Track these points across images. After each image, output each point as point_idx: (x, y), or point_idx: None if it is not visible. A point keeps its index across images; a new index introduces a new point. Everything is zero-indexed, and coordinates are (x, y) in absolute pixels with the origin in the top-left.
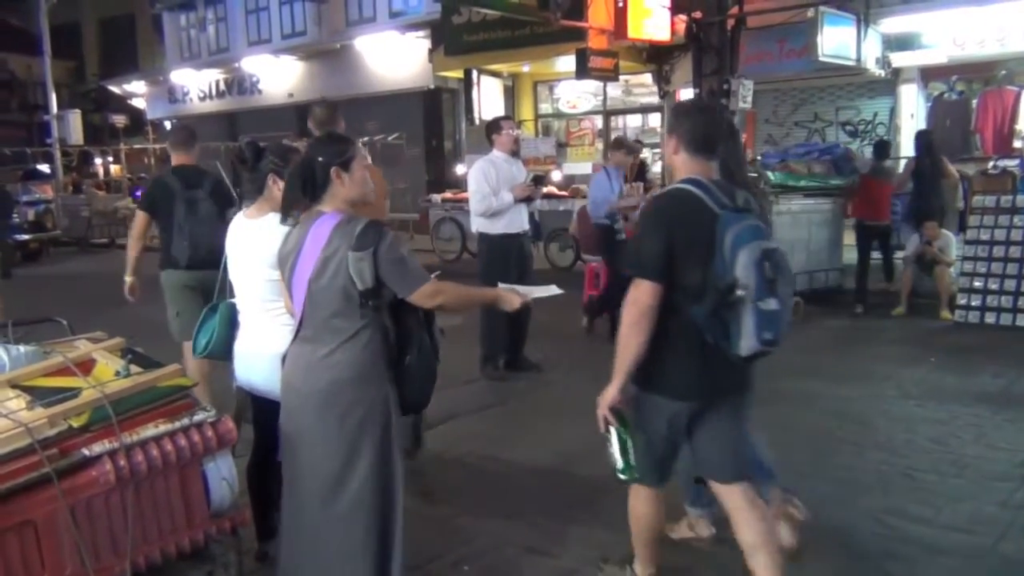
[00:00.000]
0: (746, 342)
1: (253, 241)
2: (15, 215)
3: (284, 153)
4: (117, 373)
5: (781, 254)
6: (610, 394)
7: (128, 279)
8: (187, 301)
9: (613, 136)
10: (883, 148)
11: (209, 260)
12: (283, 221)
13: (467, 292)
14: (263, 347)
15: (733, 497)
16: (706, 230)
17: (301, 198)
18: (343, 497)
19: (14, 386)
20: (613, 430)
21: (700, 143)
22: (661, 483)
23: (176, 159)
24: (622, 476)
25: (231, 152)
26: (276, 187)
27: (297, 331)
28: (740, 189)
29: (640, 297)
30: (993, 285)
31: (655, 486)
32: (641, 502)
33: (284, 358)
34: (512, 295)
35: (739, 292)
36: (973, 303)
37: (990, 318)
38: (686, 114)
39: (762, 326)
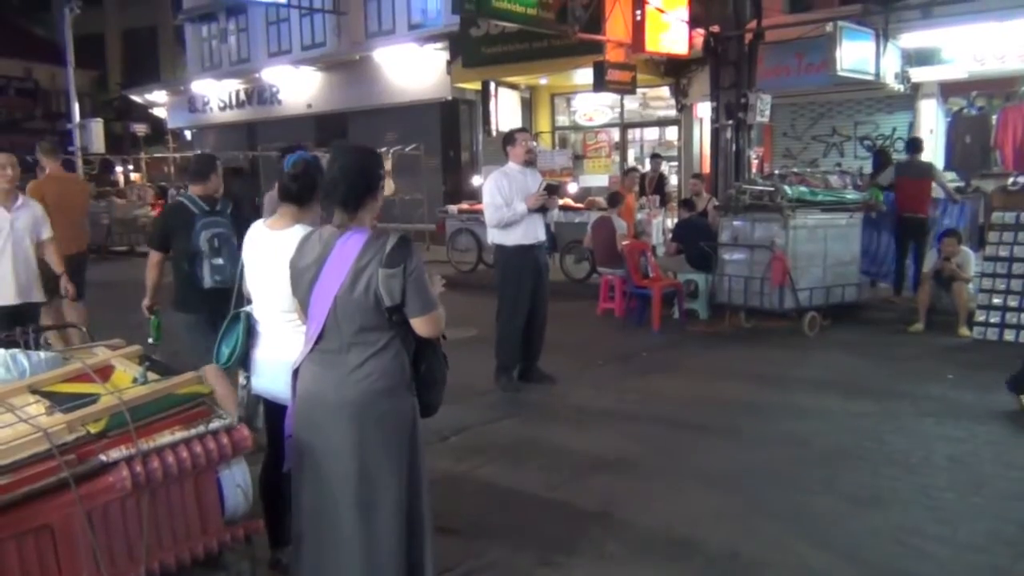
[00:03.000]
0: (207, 280)
1: (279, 252)
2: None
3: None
4: (135, 380)
5: (224, 236)
6: (144, 303)
7: None
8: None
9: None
10: (916, 144)
11: None
12: (347, 232)
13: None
14: (285, 355)
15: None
16: (188, 222)
17: (361, 203)
18: (378, 505)
19: (34, 391)
20: (152, 317)
21: (195, 175)
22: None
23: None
24: (153, 343)
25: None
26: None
27: (315, 343)
28: (225, 202)
29: (152, 258)
30: (1012, 302)
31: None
32: None
33: (296, 371)
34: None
35: (202, 250)
36: (992, 320)
37: (1009, 335)
38: (193, 161)
39: (213, 272)
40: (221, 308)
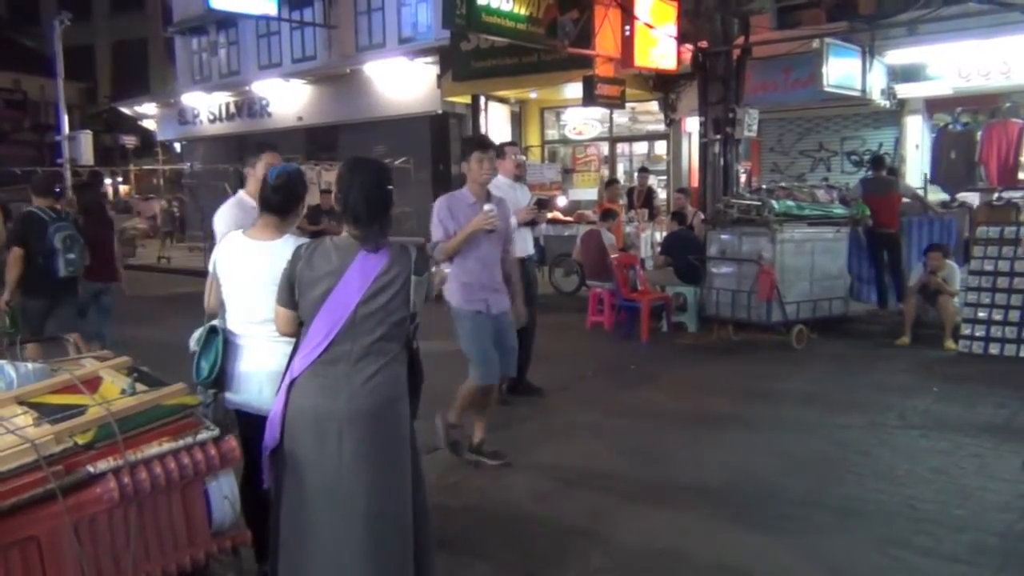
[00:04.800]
0: (61, 271)
1: (265, 262)
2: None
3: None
4: (123, 391)
5: (74, 236)
6: (4, 298)
7: None
8: None
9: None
10: (878, 161)
11: None
12: (371, 249)
13: None
14: (266, 365)
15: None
16: (44, 227)
17: (384, 224)
18: (389, 514)
19: (21, 403)
20: (9, 309)
21: (43, 191)
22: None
23: None
24: (14, 333)
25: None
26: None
27: (320, 354)
28: (68, 212)
29: (15, 253)
30: (997, 316)
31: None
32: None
33: (293, 382)
34: None
35: (57, 248)
36: (977, 333)
37: (994, 349)
38: (40, 178)
39: (66, 265)
40: (67, 294)
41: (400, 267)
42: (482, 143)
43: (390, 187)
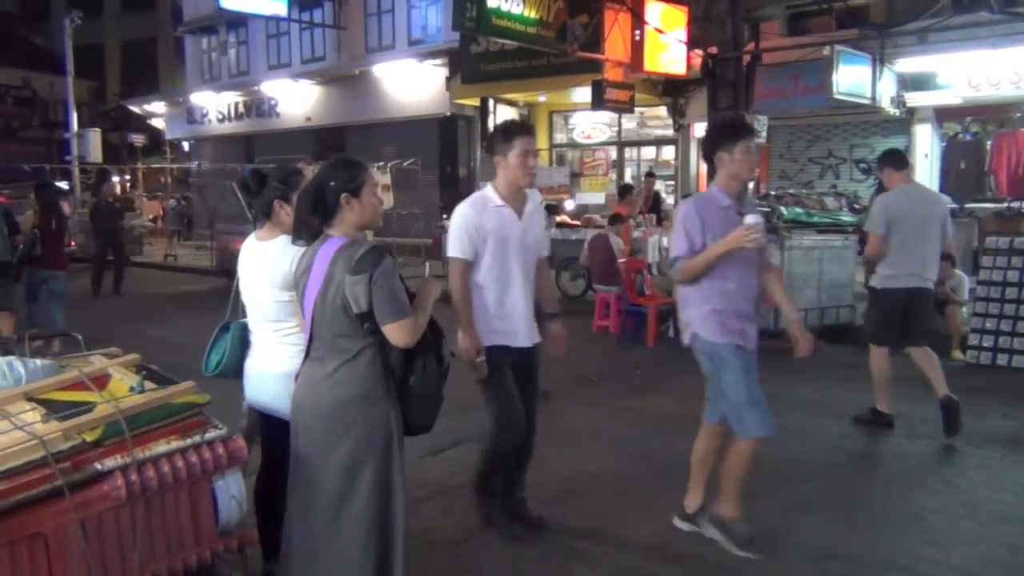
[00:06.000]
0: None
1: (263, 263)
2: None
3: (287, 177)
4: (131, 389)
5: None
6: None
7: None
8: None
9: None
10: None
11: None
12: (294, 242)
13: (423, 319)
14: (271, 366)
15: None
16: None
17: (311, 221)
18: (343, 514)
19: (30, 399)
20: None
21: None
22: None
23: None
24: None
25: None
26: (283, 211)
27: (308, 350)
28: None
29: None
30: (1005, 326)
31: None
32: None
33: (296, 377)
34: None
35: None
36: (985, 344)
37: (1002, 359)
38: None
39: None
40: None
41: (341, 264)
42: (749, 126)
43: (341, 181)
